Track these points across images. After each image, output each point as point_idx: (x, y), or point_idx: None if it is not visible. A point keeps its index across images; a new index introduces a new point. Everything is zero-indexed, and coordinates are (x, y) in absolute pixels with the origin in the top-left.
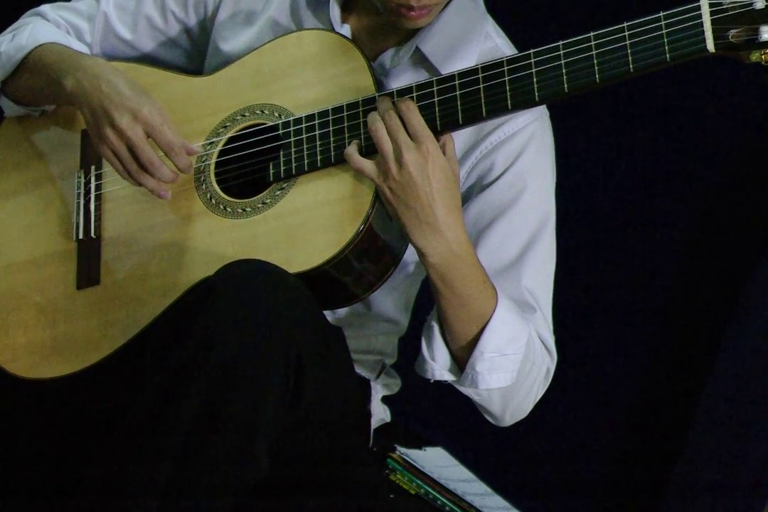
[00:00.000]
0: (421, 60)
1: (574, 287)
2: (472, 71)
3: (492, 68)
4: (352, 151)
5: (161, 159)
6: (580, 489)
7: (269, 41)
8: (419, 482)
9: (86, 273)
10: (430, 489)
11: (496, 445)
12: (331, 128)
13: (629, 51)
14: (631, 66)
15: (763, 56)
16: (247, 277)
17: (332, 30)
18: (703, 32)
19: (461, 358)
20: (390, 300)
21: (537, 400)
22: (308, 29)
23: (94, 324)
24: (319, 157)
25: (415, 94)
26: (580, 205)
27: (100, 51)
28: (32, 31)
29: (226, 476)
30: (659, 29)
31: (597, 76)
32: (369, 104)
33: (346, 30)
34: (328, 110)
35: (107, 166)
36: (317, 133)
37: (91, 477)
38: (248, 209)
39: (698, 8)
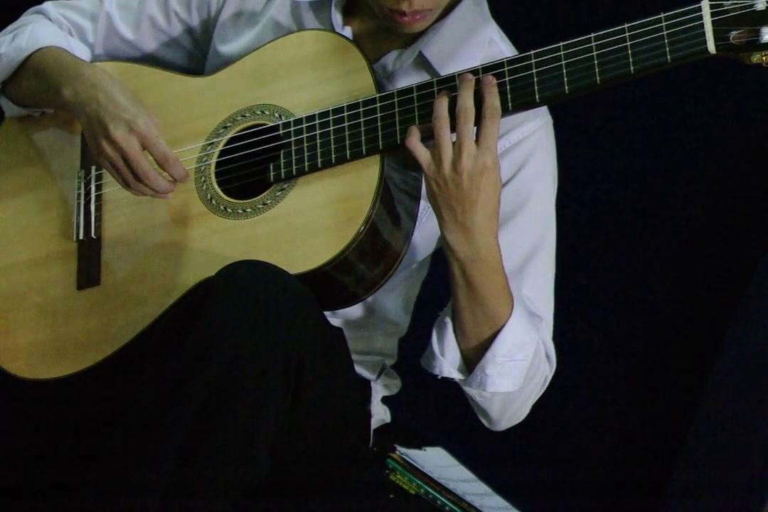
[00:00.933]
0: (423, 64)
1: (574, 287)
2: (473, 72)
3: (492, 69)
4: (415, 132)
5: (156, 170)
6: (580, 489)
7: (270, 41)
8: (419, 482)
9: (86, 274)
10: (430, 489)
11: (496, 445)
12: (331, 128)
13: (630, 52)
14: (631, 67)
15: (764, 58)
16: (248, 278)
17: (333, 30)
18: (704, 33)
19: (470, 358)
20: (391, 301)
21: (531, 406)
22: (309, 29)
23: (95, 325)
24: (319, 158)
25: (415, 94)
26: (580, 204)
27: (103, 51)
28: (32, 33)
29: (226, 476)
30: (660, 30)
31: (598, 77)
32: (369, 104)
33: (347, 32)
34: (328, 111)
35: None
36: (318, 133)
37: (92, 478)
38: (248, 210)
39: (699, 9)
